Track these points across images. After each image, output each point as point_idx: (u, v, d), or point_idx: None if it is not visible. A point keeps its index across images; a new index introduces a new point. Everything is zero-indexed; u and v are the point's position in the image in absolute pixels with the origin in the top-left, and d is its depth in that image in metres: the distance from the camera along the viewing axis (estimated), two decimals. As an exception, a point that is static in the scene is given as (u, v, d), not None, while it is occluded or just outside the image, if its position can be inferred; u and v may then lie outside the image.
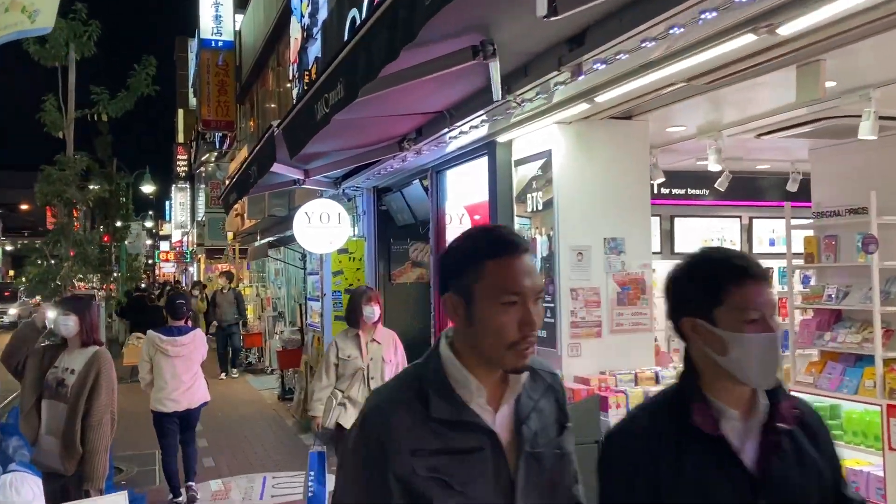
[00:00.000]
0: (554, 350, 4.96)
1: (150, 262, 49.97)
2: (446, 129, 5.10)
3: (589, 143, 5.09)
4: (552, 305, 5.02)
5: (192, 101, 45.50)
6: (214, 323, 14.16)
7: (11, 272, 67.88)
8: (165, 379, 5.83)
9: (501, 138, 5.50)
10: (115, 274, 18.03)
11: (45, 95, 7.96)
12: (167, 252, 39.37)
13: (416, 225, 8.06)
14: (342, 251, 8.74)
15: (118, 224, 18.09)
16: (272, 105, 14.92)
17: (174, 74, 50.13)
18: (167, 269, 51.99)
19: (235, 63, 17.55)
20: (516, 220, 5.51)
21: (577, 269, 5.01)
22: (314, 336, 9.48)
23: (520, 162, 5.46)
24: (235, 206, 15.06)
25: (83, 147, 15.83)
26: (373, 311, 5.02)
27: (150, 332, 6.10)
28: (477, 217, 6.34)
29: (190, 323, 6.57)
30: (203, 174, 32.71)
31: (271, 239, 12.54)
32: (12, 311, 28.73)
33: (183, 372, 5.89)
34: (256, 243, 13.93)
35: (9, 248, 63.33)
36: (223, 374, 13.62)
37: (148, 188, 28.55)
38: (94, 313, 4.55)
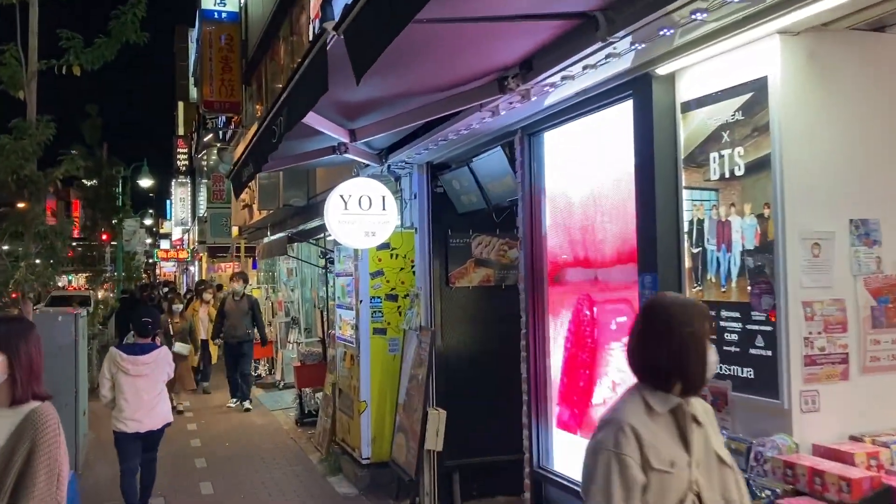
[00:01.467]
0: (776, 402, 3.06)
1: (150, 261, 48.24)
2: (596, 46, 3.20)
3: (828, 69, 3.18)
4: (768, 329, 3.12)
5: (193, 92, 43.76)
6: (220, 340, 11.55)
7: None
8: (126, 398, 5.62)
9: (662, 69, 3.59)
10: (105, 274, 16.14)
11: (5, 45, 6.07)
12: (166, 251, 37.36)
13: (485, 211, 6.15)
14: (383, 247, 6.86)
15: (113, 220, 16.18)
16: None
17: (174, 66, 48.34)
18: (168, 268, 50.20)
19: (241, 37, 15.63)
20: (686, 194, 3.60)
21: (813, 271, 3.10)
22: (346, 353, 7.60)
23: (695, 104, 3.55)
24: (242, 197, 13.17)
25: (69, 134, 14.02)
26: None
27: (111, 348, 5.96)
28: (600, 196, 4.43)
29: (159, 340, 6.35)
30: (204, 168, 30.84)
31: (285, 234, 10.62)
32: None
33: (145, 391, 5.67)
34: (266, 239, 12.04)
35: None
36: (232, 402, 11.09)
37: (146, 182, 26.80)
38: (32, 349, 2.69)
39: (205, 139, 22.49)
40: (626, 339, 2.28)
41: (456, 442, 5.99)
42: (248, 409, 10.69)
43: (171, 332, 10.61)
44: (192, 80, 42.86)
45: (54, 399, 2.79)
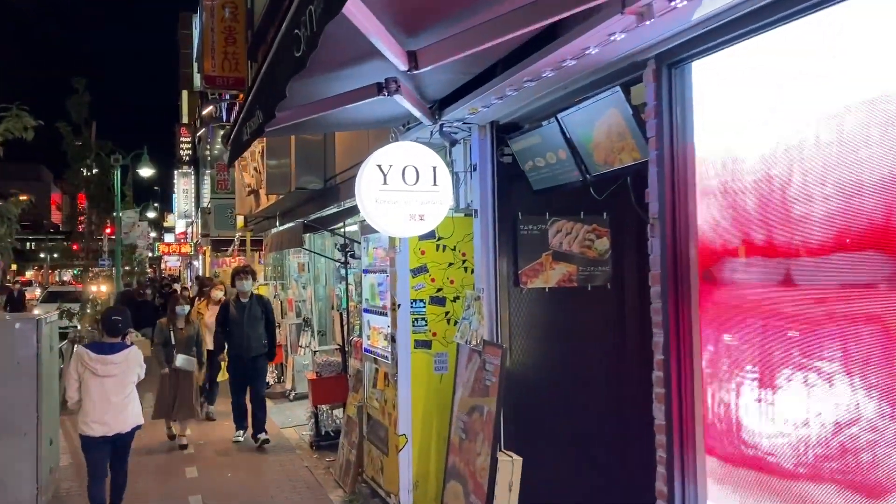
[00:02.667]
0: None
1: (153, 255, 46.91)
2: None
3: None
4: None
5: (197, 80, 42.27)
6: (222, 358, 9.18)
7: (14, 266, 65.73)
8: (93, 400, 5.42)
9: None
10: (95, 269, 14.60)
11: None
12: (168, 244, 35.75)
13: (570, 187, 4.54)
14: (426, 236, 5.29)
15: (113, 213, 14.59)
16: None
17: (177, 54, 46.92)
18: (172, 263, 48.84)
19: (246, 6, 14.04)
20: None
21: None
22: (378, 371, 6.04)
23: None
24: (248, 181, 11.58)
25: (55, 109, 12.42)
26: None
27: (78, 347, 5.77)
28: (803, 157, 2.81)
29: (129, 339, 5.99)
30: (208, 157, 29.31)
31: (299, 222, 8.97)
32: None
33: (113, 393, 5.46)
34: (276, 229, 10.46)
35: None
36: (239, 435, 8.61)
37: (146, 171, 25.29)
38: None
39: (205, 112, 20.77)
40: None
41: (534, 498, 4.43)
42: (266, 442, 8.27)
43: (174, 342, 8.47)
44: (195, 66, 41.49)
45: (6, 427, 1.92)
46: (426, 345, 5.48)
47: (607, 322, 4.62)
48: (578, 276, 4.99)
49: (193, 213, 34.23)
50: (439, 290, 5.50)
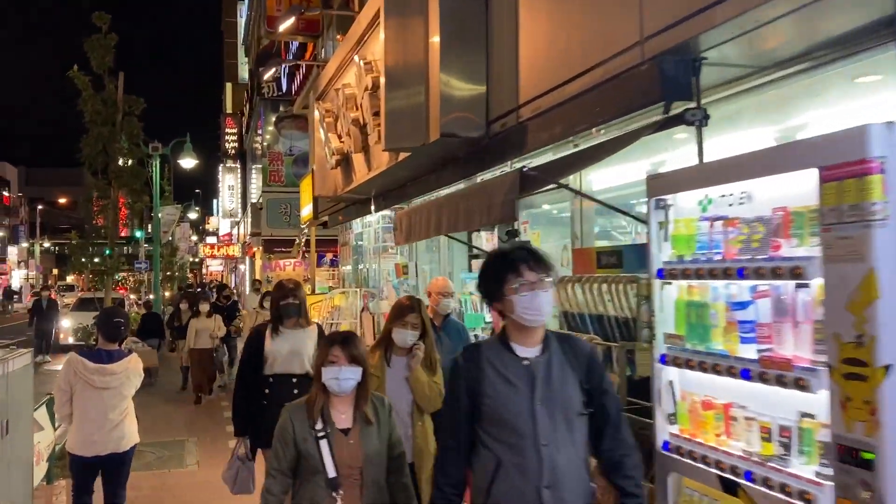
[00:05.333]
0: None
1: (195, 260, 44.31)
2: None
3: None
4: None
5: (242, 71, 39.45)
6: None
7: (55, 271, 64.06)
8: (89, 416, 4.72)
9: None
10: (121, 274, 11.37)
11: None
12: (213, 245, 32.61)
13: None
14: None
15: (139, 201, 11.34)
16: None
17: (221, 44, 44.33)
18: (214, 267, 46.11)
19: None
20: None
21: None
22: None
23: None
24: (336, 145, 7.98)
25: (74, 53, 9.20)
26: None
27: (71, 354, 4.92)
28: None
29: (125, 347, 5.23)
30: (258, 150, 26.21)
31: (519, 170, 5.19)
32: None
33: (110, 408, 4.77)
34: (420, 199, 6.88)
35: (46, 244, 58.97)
36: None
37: (188, 162, 22.14)
38: None
39: (266, 76, 17.24)
40: None
41: None
42: None
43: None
44: (241, 49, 38.70)
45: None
46: None
47: None
48: None
49: (240, 212, 31.24)
50: None
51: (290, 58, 13.87)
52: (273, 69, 12.72)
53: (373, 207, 8.55)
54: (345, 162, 7.92)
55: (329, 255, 20.09)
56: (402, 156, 5.99)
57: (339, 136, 7.82)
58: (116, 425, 4.78)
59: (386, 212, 9.12)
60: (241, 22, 39.93)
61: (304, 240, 13.51)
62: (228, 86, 39.75)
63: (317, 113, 8.71)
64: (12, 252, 58.18)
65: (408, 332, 3.75)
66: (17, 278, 56.53)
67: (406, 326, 3.75)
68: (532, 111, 4.53)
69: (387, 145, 5.57)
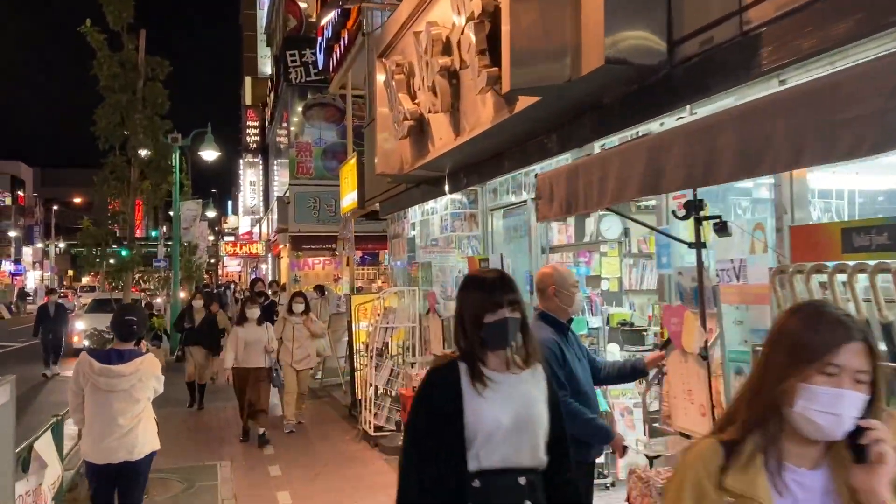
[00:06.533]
0: None
1: (212, 260, 43.05)
2: None
3: None
4: None
5: (262, 64, 38.09)
6: None
7: (71, 272, 63.25)
8: (96, 420, 4.42)
9: None
10: (130, 272, 10.04)
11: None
12: (235, 243, 31.04)
13: None
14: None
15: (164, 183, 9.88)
16: None
17: (240, 37, 43.04)
18: (231, 267, 44.76)
19: None
20: None
21: None
22: None
23: None
24: (408, 108, 6.34)
25: (91, 53, 7.80)
26: None
27: (82, 354, 4.61)
28: None
29: (144, 345, 5.36)
30: (282, 143, 24.78)
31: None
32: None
33: (119, 412, 4.41)
34: (438, 200, 5.37)
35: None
36: None
37: (210, 154, 20.76)
38: None
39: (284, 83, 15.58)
40: None
41: None
42: None
43: None
44: (261, 42, 37.32)
45: None
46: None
47: None
48: None
49: (262, 209, 29.80)
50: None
51: (329, 35, 12.32)
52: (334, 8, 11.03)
53: (447, 187, 7.03)
54: (418, 129, 6.39)
55: (358, 253, 18.66)
56: (522, 105, 4.45)
57: (414, 96, 6.31)
58: (128, 431, 4.45)
59: (456, 195, 7.59)
60: (262, 15, 38.64)
61: (348, 235, 11.97)
62: (248, 80, 38.44)
63: (379, 77, 7.20)
64: (27, 253, 57.39)
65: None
66: (31, 279, 55.62)
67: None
68: (775, 10, 2.97)
69: (513, 85, 4.02)
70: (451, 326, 7.41)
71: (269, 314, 10.25)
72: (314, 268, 19.51)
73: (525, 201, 6.64)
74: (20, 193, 57.85)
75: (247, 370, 8.13)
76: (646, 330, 7.31)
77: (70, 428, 5.38)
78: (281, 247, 21.58)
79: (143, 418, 4.54)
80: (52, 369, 14.28)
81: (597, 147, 4.71)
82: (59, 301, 16.55)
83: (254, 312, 8.30)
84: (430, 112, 5.83)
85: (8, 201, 54.95)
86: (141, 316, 4.82)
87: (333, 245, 18.86)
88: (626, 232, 7.24)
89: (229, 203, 59.60)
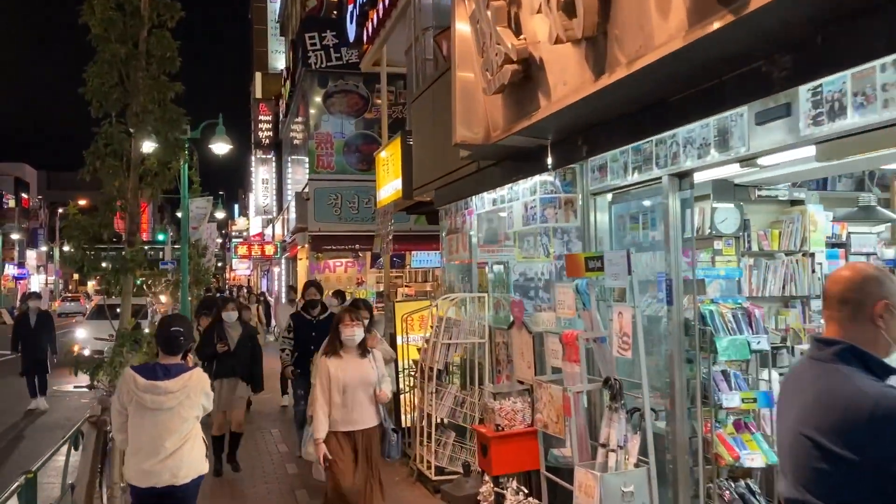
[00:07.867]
0: None
1: (219, 264, 41.52)
2: None
3: None
4: None
5: (273, 59, 36.53)
6: None
7: (76, 276, 62.03)
8: (142, 440, 4.15)
9: None
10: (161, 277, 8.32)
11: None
12: (248, 244, 29.32)
13: None
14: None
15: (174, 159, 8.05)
16: None
17: (250, 32, 41.57)
18: (240, 271, 43.11)
19: None
20: None
21: None
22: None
23: None
24: (514, 45, 4.47)
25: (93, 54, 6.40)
26: None
27: (127, 369, 4.36)
28: None
29: (190, 360, 4.89)
30: (297, 139, 23.10)
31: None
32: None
33: (167, 432, 4.14)
34: (525, 181, 3.68)
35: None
36: None
37: (222, 147, 19.10)
38: None
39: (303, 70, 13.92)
40: None
41: None
42: None
43: None
44: (272, 34, 35.76)
45: None
46: None
47: None
48: None
49: (274, 209, 28.08)
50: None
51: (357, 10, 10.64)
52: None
53: (550, 160, 5.22)
54: (522, 77, 4.60)
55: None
56: (721, 21, 2.66)
57: (520, 30, 4.52)
58: (173, 453, 4.20)
59: (547, 177, 5.77)
60: (273, 8, 37.15)
61: (390, 232, 10.16)
62: (258, 75, 36.95)
63: (459, 18, 5.42)
64: (31, 256, 56.10)
65: None
66: (36, 283, 54.24)
67: None
68: None
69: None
70: (544, 342, 5.61)
71: (326, 333, 7.86)
72: (335, 270, 17.76)
73: (659, 178, 4.83)
74: (24, 196, 56.59)
75: (349, 436, 5.05)
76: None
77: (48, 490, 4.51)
78: (298, 247, 19.86)
79: (190, 438, 4.30)
80: (39, 402, 11.55)
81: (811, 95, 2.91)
82: (44, 308, 13.48)
83: (353, 335, 5.12)
84: (556, 42, 4.02)
85: (11, 204, 53.63)
86: (188, 327, 4.56)
87: (357, 245, 17.16)
88: (744, 224, 5.79)
89: (236, 207, 58.12)
